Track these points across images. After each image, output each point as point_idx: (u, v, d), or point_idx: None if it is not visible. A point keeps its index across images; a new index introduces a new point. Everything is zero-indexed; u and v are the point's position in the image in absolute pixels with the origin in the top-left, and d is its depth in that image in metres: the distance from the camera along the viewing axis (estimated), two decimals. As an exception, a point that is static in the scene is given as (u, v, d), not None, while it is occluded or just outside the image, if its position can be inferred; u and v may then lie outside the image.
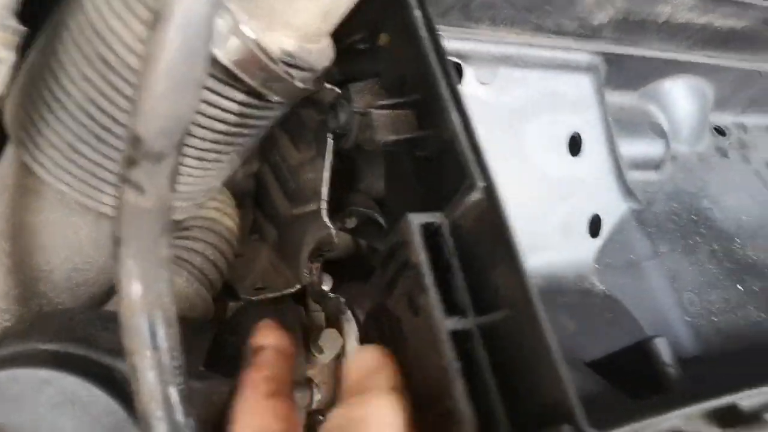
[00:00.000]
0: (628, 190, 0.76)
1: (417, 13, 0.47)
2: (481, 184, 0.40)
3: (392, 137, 0.48)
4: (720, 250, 0.80)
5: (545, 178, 0.70)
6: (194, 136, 0.45)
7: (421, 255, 0.40)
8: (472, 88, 0.64)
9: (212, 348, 0.53)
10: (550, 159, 0.70)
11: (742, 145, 0.94)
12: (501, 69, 0.66)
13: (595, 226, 0.73)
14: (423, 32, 0.46)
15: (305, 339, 0.60)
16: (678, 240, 0.78)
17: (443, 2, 0.59)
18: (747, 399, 0.40)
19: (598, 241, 0.73)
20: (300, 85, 0.45)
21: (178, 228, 0.60)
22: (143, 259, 0.33)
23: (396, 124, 0.50)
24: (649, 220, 0.77)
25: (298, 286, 0.66)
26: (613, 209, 0.74)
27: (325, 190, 0.59)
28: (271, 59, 0.42)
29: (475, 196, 0.41)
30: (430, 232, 0.41)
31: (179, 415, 0.35)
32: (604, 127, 0.74)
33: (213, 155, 0.48)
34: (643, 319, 0.70)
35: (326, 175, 0.59)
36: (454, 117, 0.42)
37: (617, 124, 0.78)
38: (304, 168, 0.67)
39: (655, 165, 0.82)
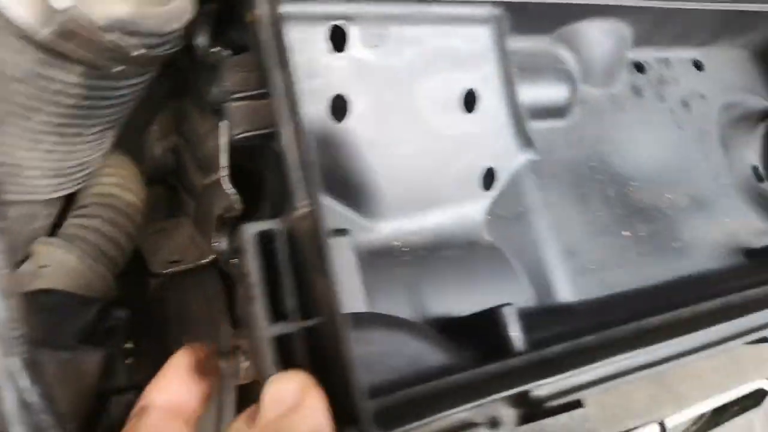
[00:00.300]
0: (526, 142, 0.77)
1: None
2: (302, 206, 0.42)
3: (243, 132, 0.49)
4: (614, 196, 0.83)
5: (440, 137, 0.71)
6: (43, 111, 0.46)
7: (250, 265, 0.43)
8: (358, 52, 0.63)
9: (134, 324, 0.58)
10: (444, 118, 0.70)
11: (661, 81, 0.94)
12: (391, 29, 0.65)
13: (488, 179, 0.75)
14: (266, 34, 0.45)
15: (230, 307, 0.64)
16: (572, 189, 0.81)
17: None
18: (539, 389, 0.45)
19: (492, 194, 0.76)
20: (139, 52, 0.45)
21: (74, 205, 0.62)
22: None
23: (252, 117, 0.50)
24: (545, 170, 0.79)
25: (212, 257, 0.69)
26: (508, 162, 0.76)
27: (223, 157, 0.60)
28: (98, 29, 0.42)
29: (302, 210, 0.43)
30: (267, 239, 0.44)
31: (24, 382, 0.38)
32: (503, 81, 0.74)
33: (72, 130, 0.49)
34: (526, 270, 0.75)
35: (222, 141, 0.60)
36: (286, 132, 0.43)
37: (523, 73, 0.78)
38: (208, 137, 0.67)
39: (560, 112, 0.83)
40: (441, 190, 0.73)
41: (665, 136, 0.91)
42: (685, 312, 0.66)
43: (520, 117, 0.76)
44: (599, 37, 0.84)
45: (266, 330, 0.42)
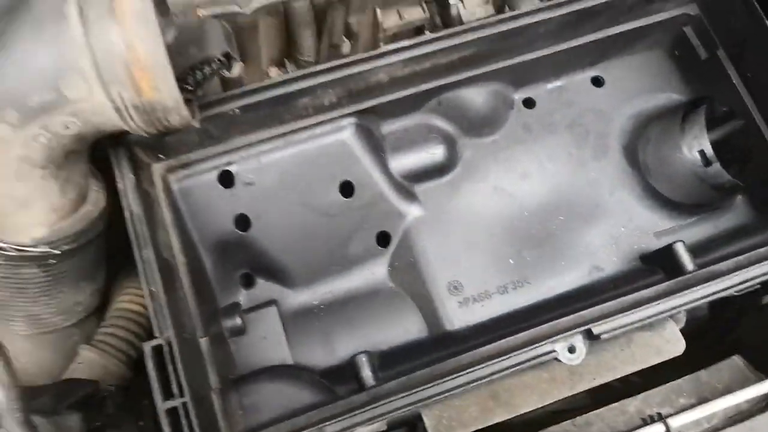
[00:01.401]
0: (409, 203, 0.97)
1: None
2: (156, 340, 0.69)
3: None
4: (501, 231, 0.99)
5: (331, 219, 0.94)
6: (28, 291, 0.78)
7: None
8: (241, 189, 0.89)
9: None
10: (330, 206, 0.93)
11: (551, 111, 1.05)
12: (263, 159, 0.89)
13: (383, 239, 0.97)
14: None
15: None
16: (460, 232, 0.98)
17: (185, 141, 0.82)
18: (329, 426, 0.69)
19: (390, 249, 0.97)
20: (69, 246, 0.74)
21: (104, 319, 0.95)
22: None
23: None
24: (433, 222, 0.98)
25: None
26: (397, 222, 0.97)
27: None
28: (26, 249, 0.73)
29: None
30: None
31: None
32: (374, 165, 0.94)
33: (54, 291, 0.81)
34: (419, 307, 0.95)
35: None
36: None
37: (397, 148, 0.97)
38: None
39: (441, 171, 1.00)
40: (345, 257, 0.96)
41: (558, 162, 1.03)
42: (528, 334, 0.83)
43: (398, 186, 0.96)
44: (471, 98, 1.00)
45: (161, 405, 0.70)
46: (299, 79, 0.81)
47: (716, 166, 1.15)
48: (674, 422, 0.79)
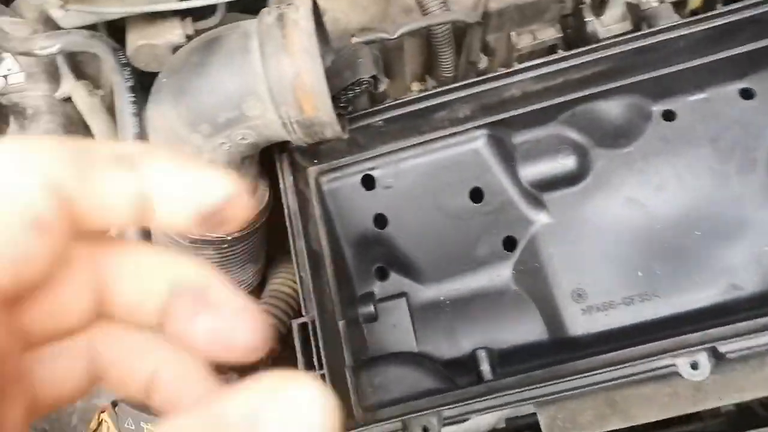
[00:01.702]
0: (537, 210, 1.01)
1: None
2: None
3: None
4: (632, 240, 1.00)
5: (462, 222, 1.01)
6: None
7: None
8: (381, 191, 0.99)
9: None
10: (460, 210, 1.01)
11: (692, 125, 1.04)
12: (401, 165, 0.99)
13: (509, 244, 1.02)
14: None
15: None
16: (588, 241, 1.01)
17: (336, 148, 0.94)
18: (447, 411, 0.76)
19: (515, 254, 1.02)
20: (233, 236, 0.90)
21: (260, 298, 1.12)
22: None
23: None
24: (561, 229, 1.01)
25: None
26: (524, 229, 1.02)
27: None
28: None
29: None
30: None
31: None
32: (504, 173, 1.00)
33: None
34: (541, 311, 0.99)
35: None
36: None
37: (527, 157, 1.02)
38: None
39: (572, 181, 1.03)
40: (472, 258, 1.03)
41: (698, 176, 1.02)
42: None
43: (527, 194, 1.01)
44: (606, 110, 1.02)
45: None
46: (436, 96, 0.89)
47: None
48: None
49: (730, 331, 0.79)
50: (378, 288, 1.04)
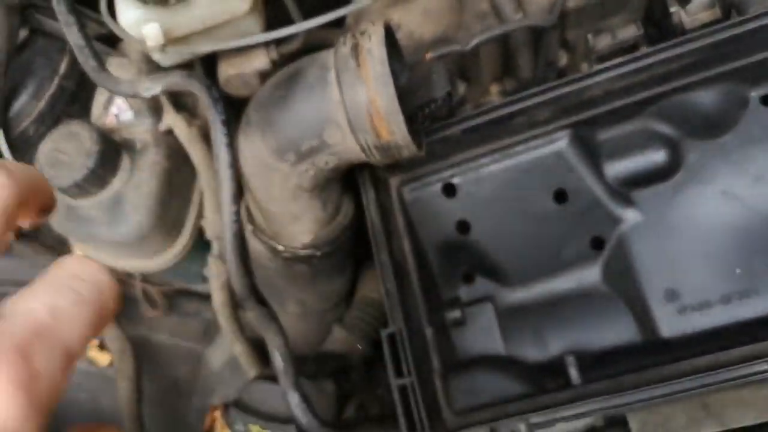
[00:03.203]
0: (625, 209, 0.99)
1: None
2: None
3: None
4: (730, 238, 0.95)
5: (546, 223, 1.01)
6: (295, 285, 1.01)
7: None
8: (462, 198, 1.01)
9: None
10: (545, 211, 1.00)
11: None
12: (481, 171, 1.00)
13: (597, 243, 1.01)
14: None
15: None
16: (682, 238, 0.97)
17: (415, 159, 0.97)
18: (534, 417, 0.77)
19: (604, 254, 1.00)
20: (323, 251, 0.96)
21: (351, 305, 1.17)
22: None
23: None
24: (653, 227, 0.98)
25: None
26: (611, 228, 0.99)
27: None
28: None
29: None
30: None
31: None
32: (587, 172, 0.98)
33: (310, 287, 1.04)
34: (632, 312, 0.97)
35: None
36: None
37: (614, 154, 0.99)
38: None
39: (662, 176, 0.99)
40: (559, 259, 1.02)
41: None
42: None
43: (614, 192, 0.99)
44: (696, 100, 0.97)
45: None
46: (513, 103, 0.89)
47: None
48: None
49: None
50: (464, 292, 1.05)
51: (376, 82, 0.68)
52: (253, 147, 0.78)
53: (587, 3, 0.91)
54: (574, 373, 0.87)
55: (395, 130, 0.70)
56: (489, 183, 1.00)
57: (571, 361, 0.87)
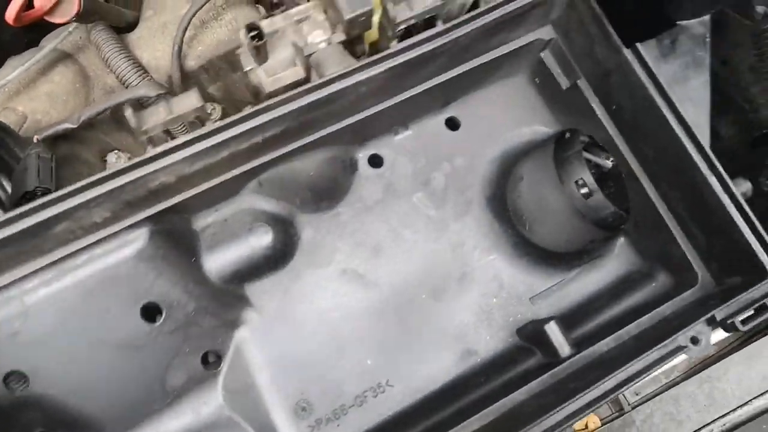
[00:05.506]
0: (238, 309, 0.80)
1: None
2: None
3: None
4: (359, 327, 0.83)
5: (139, 350, 0.75)
6: None
7: None
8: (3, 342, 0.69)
9: None
10: (133, 336, 0.75)
11: (402, 167, 0.90)
12: (27, 300, 0.69)
13: (214, 360, 0.79)
14: None
15: None
16: (301, 337, 0.82)
17: None
18: None
19: (221, 371, 0.80)
20: None
21: None
22: None
23: None
24: (266, 328, 0.81)
25: None
26: (225, 338, 0.79)
27: None
28: None
29: None
30: None
31: None
32: (183, 275, 0.76)
33: None
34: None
35: None
36: None
37: (217, 240, 0.79)
38: None
39: (276, 263, 0.83)
40: (167, 390, 0.78)
41: (415, 229, 0.88)
42: None
43: (220, 292, 0.79)
44: (300, 169, 0.82)
45: None
46: (38, 210, 0.61)
47: (598, 196, 1.05)
48: None
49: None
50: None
51: None
52: None
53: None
54: None
55: None
56: (44, 313, 0.70)
57: None
